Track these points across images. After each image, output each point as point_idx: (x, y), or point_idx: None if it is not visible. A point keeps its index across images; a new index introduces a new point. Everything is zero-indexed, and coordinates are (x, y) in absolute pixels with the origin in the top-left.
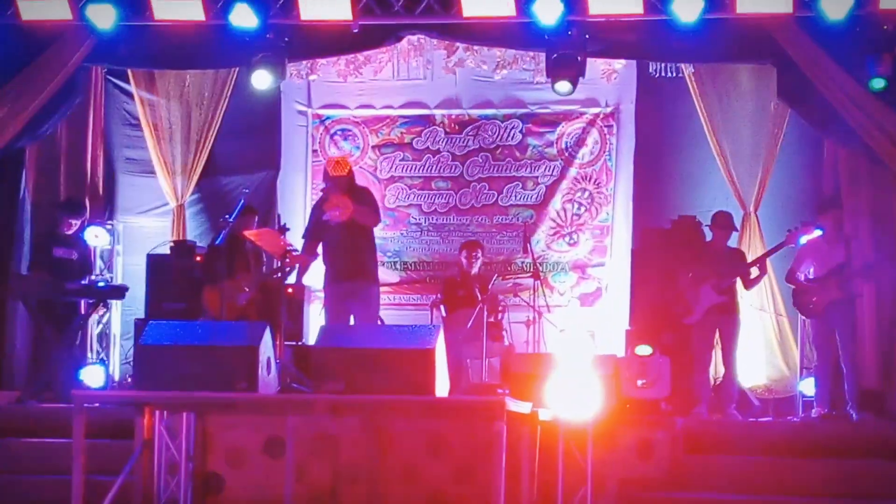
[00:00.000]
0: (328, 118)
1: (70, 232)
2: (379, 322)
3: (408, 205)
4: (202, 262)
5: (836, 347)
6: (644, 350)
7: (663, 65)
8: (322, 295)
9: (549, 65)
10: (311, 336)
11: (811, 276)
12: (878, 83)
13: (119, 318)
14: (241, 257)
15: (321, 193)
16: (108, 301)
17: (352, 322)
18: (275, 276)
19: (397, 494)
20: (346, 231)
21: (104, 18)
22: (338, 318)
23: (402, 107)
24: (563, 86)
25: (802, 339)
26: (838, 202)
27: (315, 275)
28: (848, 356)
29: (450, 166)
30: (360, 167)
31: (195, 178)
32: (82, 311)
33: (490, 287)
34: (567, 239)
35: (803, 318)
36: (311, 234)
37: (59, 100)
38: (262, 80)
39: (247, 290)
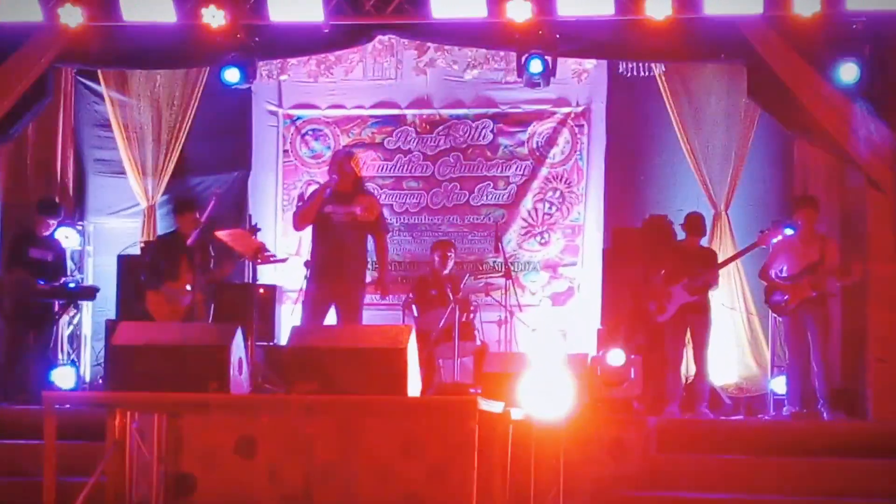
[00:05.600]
0: (299, 118)
1: (47, 233)
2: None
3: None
4: (147, 265)
5: (808, 346)
6: (617, 359)
7: (634, 64)
8: (293, 295)
9: (519, 65)
10: (283, 336)
11: (784, 274)
12: (848, 72)
13: (90, 319)
14: (184, 258)
15: (330, 183)
16: (79, 302)
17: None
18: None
19: (371, 494)
20: (352, 233)
21: (74, 19)
22: (317, 318)
23: (373, 107)
24: (536, 65)
25: (773, 338)
26: (813, 201)
27: (287, 273)
28: (820, 354)
29: (421, 166)
30: None
31: (166, 178)
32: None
33: (462, 287)
34: (538, 238)
35: (774, 316)
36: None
37: (29, 100)
38: (233, 75)
39: (189, 290)
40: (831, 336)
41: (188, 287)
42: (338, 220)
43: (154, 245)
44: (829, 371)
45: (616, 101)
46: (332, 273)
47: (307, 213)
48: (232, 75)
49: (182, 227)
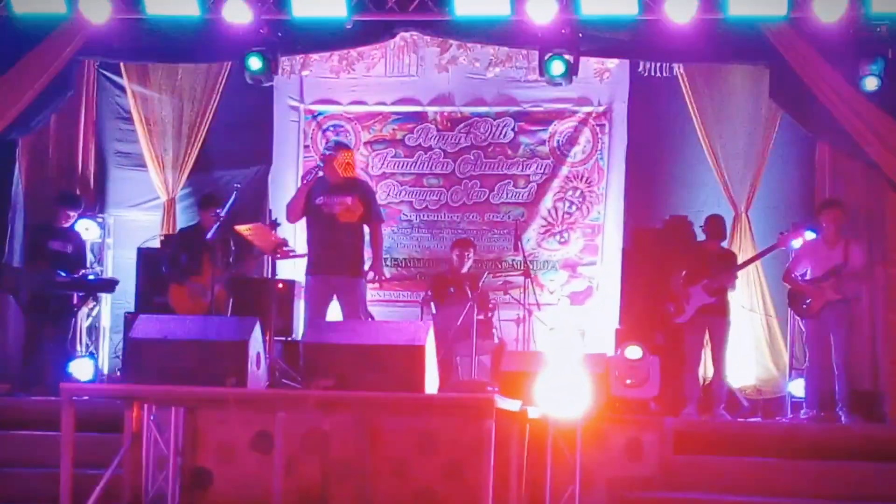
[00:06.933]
0: (320, 114)
1: (67, 224)
2: (369, 318)
3: (399, 201)
4: (168, 258)
5: (829, 349)
6: (634, 353)
7: (655, 64)
8: None
9: (542, 63)
10: (301, 332)
11: (808, 277)
12: (871, 83)
13: (109, 312)
14: (207, 252)
15: (311, 171)
16: (98, 294)
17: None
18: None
19: (387, 491)
20: (344, 224)
21: (97, 12)
22: (320, 312)
23: (394, 103)
24: (558, 64)
25: (792, 340)
26: (838, 203)
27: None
28: (842, 358)
29: (442, 163)
30: None
31: (186, 172)
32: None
33: (480, 284)
34: (558, 237)
35: (793, 318)
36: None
37: (52, 93)
38: (256, 62)
39: (212, 285)
40: (857, 339)
41: (210, 281)
42: (328, 211)
43: (176, 238)
44: (853, 374)
45: (638, 100)
46: (327, 265)
47: (295, 204)
48: (255, 63)
49: (205, 222)
